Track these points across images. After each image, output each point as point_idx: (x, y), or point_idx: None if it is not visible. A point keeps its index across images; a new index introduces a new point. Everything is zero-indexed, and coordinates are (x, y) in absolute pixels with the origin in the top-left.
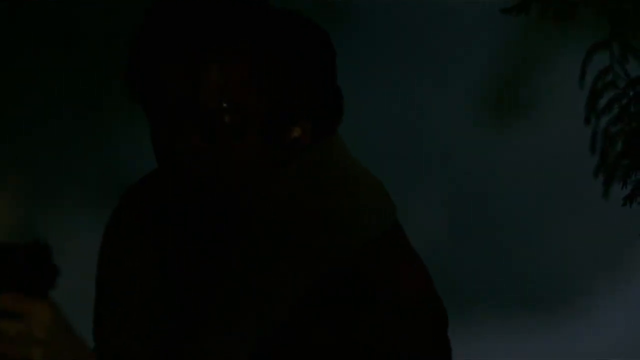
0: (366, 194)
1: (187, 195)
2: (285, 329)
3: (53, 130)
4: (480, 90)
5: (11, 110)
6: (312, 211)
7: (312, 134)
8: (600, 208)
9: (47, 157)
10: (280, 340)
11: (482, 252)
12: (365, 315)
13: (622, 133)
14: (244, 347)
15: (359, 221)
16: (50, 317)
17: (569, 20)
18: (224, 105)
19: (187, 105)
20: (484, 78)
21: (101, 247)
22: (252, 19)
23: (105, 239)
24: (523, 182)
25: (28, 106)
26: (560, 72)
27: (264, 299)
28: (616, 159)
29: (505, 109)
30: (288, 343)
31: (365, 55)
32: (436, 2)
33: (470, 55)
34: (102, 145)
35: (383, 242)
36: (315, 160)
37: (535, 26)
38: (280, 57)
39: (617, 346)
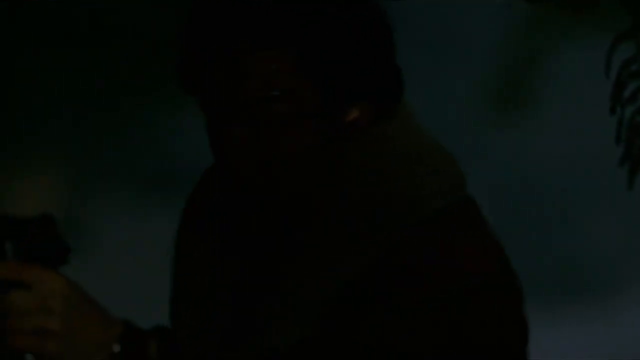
0: (427, 173)
1: (239, 187)
2: (340, 310)
3: (69, 123)
4: (482, 87)
5: (22, 106)
6: (362, 194)
7: (371, 114)
8: (618, 200)
9: (80, 148)
10: (334, 320)
11: None
12: (411, 299)
13: None
14: (302, 326)
15: (416, 200)
16: (64, 286)
17: (592, 9)
18: (274, 93)
19: (235, 96)
20: (484, 76)
21: (177, 232)
22: (296, 1)
23: (179, 226)
24: (533, 177)
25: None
26: (564, 67)
27: (315, 280)
28: None
29: (509, 107)
30: (341, 323)
31: None
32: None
33: (472, 52)
34: (141, 134)
35: (442, 222)
36: (371, 142)
37: (537, 23)
38: (329, 40)
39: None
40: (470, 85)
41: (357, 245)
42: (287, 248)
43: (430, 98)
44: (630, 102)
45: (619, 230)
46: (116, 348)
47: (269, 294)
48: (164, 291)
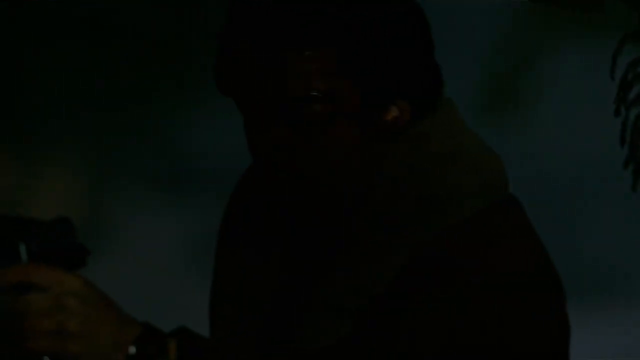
0: (462, 172)
1: (277, 187)
2: (375, 308)
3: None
4: (480, 88)
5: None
6: (406, 192)
7: (410, 112)
8: (622, 202)
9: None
10: (370, 318)
11: None
12: (447, 298)
13: None
14: (339, 324)
15: (451, 200)
16: (81, 285)
17: (597, 10)
18: (313, 93)
19: (274, 96)
20: (482, 77)
21: (219, 230)
22: (336, 1)
23: (221, 225)
24: (532, 179)
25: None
26: (563, 68)
27: (360, 275)
28: None
29: (508, 107)
30: (377, 322)
31: None
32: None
33: (470, 53)
34: (156, 132)
35: (478, 221)
36: (409, 141)
37: (536, 24)
38: (369, 38)
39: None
40: (469, 86)
41: (393, 246)
42: (324, 248)
43: None
44: (635, 104)
45: (623, 233)
46: (131, 350)
47: (307, 294)
48: (173, 290)
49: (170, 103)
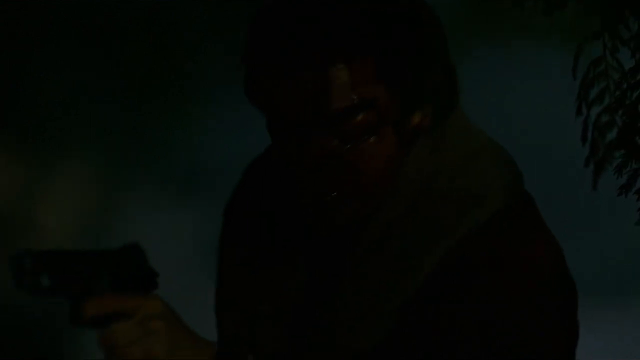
0: (488, 167)
1: (320, 196)
2: (410, 309)
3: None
4: None
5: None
6: (438, 189)
7: (431, 116)
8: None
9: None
10: (408, 315)
11: None
12: (480, 291)
13: (614, 124)
14: (379, 323)
15: (483, 195)
16: (162, 308)
17: (560, 12)
18: (355, 103)
19: (317, 107)
20: None
21: (222, 237)
22: (367, 8)
23: (224, 231)
24: None
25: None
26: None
27: (394, 276)
28: (607, 149)
29: None
30: (414, 318)
31: None
32: None
33: None
34: (177, 139)
35: (509, 217)
36: (435, 140)
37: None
38: (400, 43)
39: None
40: None
41: (427, 244)
42: (355, 251)
43: None
44: (596, 103)
45: (573, 240)
46: None
47: (338, 298)
48: (186, 289)
49: (183, 103)
